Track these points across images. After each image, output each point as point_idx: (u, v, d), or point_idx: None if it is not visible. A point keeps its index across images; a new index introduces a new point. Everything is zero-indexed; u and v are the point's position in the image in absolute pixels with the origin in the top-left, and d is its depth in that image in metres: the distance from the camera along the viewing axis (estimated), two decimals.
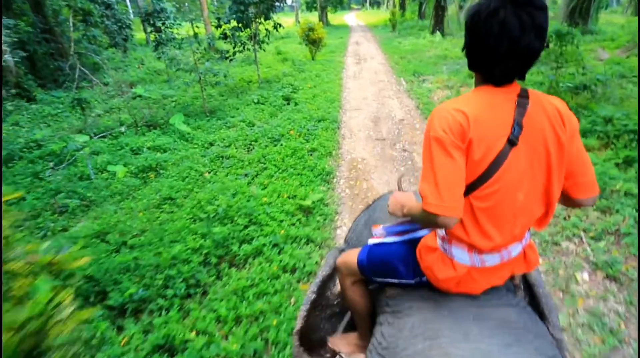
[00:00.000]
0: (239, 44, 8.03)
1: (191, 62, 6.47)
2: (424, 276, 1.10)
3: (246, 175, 4.19)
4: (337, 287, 1.59)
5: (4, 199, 1.36)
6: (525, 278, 1.27)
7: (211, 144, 5.32)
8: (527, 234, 1.06)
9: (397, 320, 1.11)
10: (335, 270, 1.49)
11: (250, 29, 7.93)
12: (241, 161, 4.62)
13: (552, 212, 1.01)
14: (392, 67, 10.31)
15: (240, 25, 7.85)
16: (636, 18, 14.89)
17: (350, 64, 11.39)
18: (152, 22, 9.41)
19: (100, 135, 5.97)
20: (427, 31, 15.30)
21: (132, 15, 29.29)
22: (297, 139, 5.05)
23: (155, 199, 3.71)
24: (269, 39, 8.40)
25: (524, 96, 0.95)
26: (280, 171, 4.20)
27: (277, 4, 7.77)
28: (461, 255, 1.02)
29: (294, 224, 3.19)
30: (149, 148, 5.34)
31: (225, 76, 6.70)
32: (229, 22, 7.51)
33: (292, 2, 31.17)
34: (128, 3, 30.42)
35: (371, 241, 1.30)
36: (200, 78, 6.45)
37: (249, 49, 8.33)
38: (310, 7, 36.26)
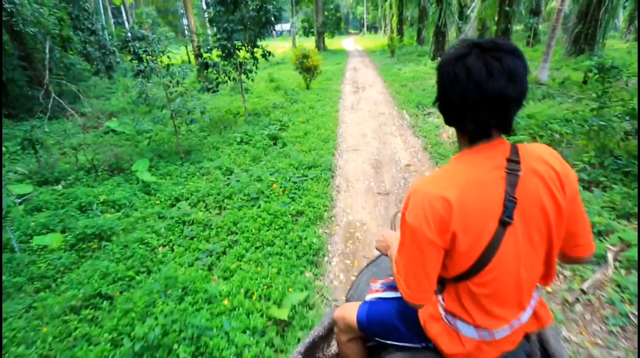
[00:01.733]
0: (223, 74, 7.21)
1: (163, 96, 5.60)
2: (431, 342, 1.01)
3: (210, 254, 3.19)
4: (332, 349, 1.50)
5: None
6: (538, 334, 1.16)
7: (177, 201, 4.34)
8: (534, 294, 0.99)
9: None
10: (330, 332, 1.47)
11: (237, 58, 7.12)
12: (207, 227, 3.63)
13: (554, 267, 0.96)
14: (393, 97, 9.50)
15: (224, 54, 7.05)
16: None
17: (348, 92, 10.61)
18: (132, 50, 8.65)
19: (57, 185, 5.03)
20: (427, 57, 14.68)
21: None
22: (280, 196, 4.08)
23: (78, 299, 2.69)
24: (256, 68, 7.59)
25: (514, 160, 0.84)
26: (253, 248, 3.20)
27: (264, 30, 6.99)
28: (467, 329, 0.94)
29: (262, 353, 2.17)
30: (101, 203, 4.36)
31: (202, 113, 5.81)
32: (210, 51, 6.71)
33: (290, 27, 31.07)
34: (127, 28, 30.21)
35: (369, 296, 1.23)
36: (172, 115, 5.56)
37: (234, 79, 7.51)
38: (307, 33, 36.28)
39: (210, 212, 3.98)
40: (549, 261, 0.92)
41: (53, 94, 9.73)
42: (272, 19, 6.74)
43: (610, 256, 2.75)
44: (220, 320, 2.35)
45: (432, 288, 0.88)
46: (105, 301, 2.68)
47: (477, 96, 0.78)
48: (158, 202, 4.34)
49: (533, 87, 8.01)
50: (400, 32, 25.45)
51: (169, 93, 5.59)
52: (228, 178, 4.84)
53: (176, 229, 3.62)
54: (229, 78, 7.45)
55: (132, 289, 2.77)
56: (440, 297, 0.97)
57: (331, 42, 31.73)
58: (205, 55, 6.77)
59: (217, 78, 7.14)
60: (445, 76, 0.84)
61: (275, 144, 5.95)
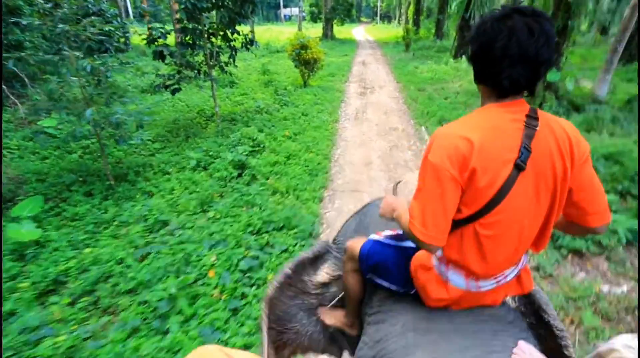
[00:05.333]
0: (188, 68, 5.44)
1: (80, 97, 3.89)
2: (414, 289, 1.11)
3: None
4: (319, 276, 1.51)
5: None
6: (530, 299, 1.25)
7: (56, 284, 2.66)
8: (523, 258, 1.04)
9: (390, 318, 1.12)
10: (317, 259, 1.53)
11: (205, 48, 5.34)
12: None
13: (549, 235, 0.99)
14: (408, 104, 7.69)
15: (189, 41, 5.27)
16: None
17: (353, 94, 8.79)
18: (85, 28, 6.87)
19: None
20: (448, 55, 12.74)
21: (131, 16, 26.78)
22: (214, 303, 2.37)
23: None
24: (234, 61, 5.81)
25: (533, 116, 0.89)
26: None
27: (243, 11, 5.18)
28: (457, 279, 1.01)
29: None
30: None
31: (141, 126, 4.09)
32: (164, 36, 4.94)
33: (299, 11, 28.81)
34: (128, 3, 27.78)
35: (375, 236, 1.30)
36: (94, 129, 3.84)
37: (205, 73, 5.73)
38: (315, 18, 33.94)
39: (88, 324, 2.29)
40: (547, 223, 0.95)
41: None
42: None
43: None
44: None
45: (447, 229, 0.89)
46: None
47: (518, 53, 0.83)
48: (24, 284, 2.65)
49: (590, 107, 6.18)
50: (417, 23, 23.23)
51: (89, 95, 3.88)
52: (153, 239, 3.13)
53: None
54: (198, 72, 5.68)
55: None
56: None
57: (340, 31, 29.42)
58: (160, 42, 4.99)
59: (178, 73, 5.38)
60: (489, 30, 0.86)
61: (240, 175, 4.21)
